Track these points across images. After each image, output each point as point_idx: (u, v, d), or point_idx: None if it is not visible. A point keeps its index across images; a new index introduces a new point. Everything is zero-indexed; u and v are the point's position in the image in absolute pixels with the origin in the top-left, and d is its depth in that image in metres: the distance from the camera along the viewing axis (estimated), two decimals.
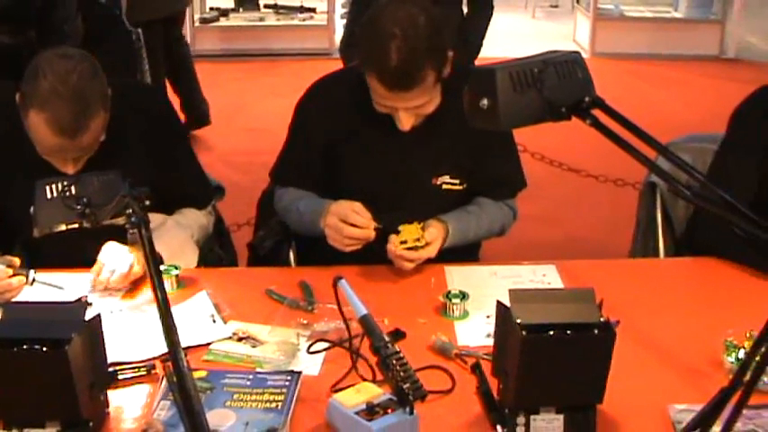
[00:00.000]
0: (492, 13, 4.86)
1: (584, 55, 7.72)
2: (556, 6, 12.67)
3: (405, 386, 1.97)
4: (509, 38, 10.26)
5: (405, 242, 2.74)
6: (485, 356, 2.28)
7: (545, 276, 2.81)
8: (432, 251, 2.76)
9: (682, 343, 2.49)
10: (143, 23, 5.69)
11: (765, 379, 2.28)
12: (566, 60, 2.06)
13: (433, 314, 2.60)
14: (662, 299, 2.78)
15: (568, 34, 11.02)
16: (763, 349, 1.62)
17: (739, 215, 1.69)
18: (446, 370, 2.31)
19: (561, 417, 2.05)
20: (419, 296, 2.68)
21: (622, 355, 2.35)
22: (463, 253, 2.97)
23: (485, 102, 1.97)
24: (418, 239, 2.74)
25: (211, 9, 10.27)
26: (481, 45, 4.83)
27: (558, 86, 1.99)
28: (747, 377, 1.68)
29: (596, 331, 1.97)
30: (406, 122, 2.75)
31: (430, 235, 2.76)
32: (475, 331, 2.48)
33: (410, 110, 2.73)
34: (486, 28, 4.82)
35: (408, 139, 2.83)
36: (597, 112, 1.99)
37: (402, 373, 1.98)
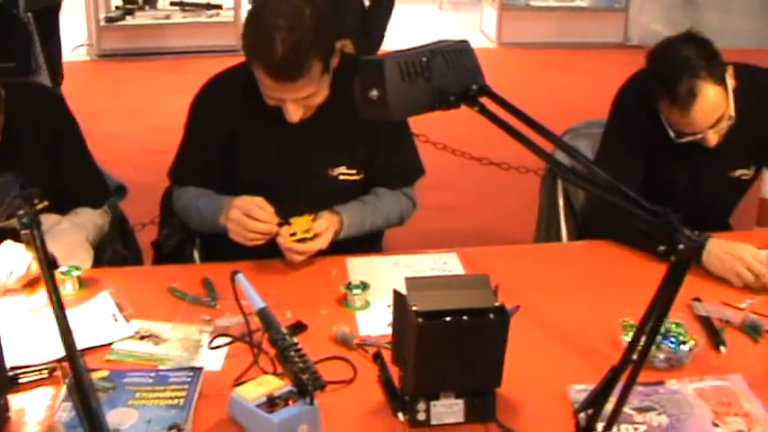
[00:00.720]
0: (393, 5, 4.86)
1: (491, 45, 7.87)
2: None
3: (304, 377, 1.98)
4: (416, 30, 10.29)
5: (294, 234, 2.75)
6: (385, 345, 2.30)
7: (446, 264, 2.83)
8: (322, 243, 2.77)
9: (581, 324, 2.54)
10: (36, 10, 5.61)
11: (661, 356, 2.34)
12: (454, 49, 2.08)
13: (335, 305, 2.61)
14: (562, 282, 2.83)
15: (475, 25, 11.09)
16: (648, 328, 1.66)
17: (624, 198, 1.72)
18: (347, 360, 2.33)
19: (461, 401, 2.07)
20: (321, 288, 2.69)
21: (522, 338, 2.39)
22: (365, 243, 2.99)
23: (374, 92, 1.98)
24: (308, 231, 2.75)
25: (117, 8, 10.15)
26: (383, 37, 4.83)
27: (447, 75, 2.01)
28: (635, 355, 1.72)
29: (491, 316, 2.00)
30: (294, 114, 2.75)
31: (319, 226, 2.77)
32: (376, 321, 2.50)
33: (298, 101, 2.73)
34: (388, 20, 4.83)
35: (302, 131, 2.84)
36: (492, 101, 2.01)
37: (301, 365, 1.99)
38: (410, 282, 2.05)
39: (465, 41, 2.13)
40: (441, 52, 2.05)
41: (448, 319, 1.97)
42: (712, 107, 2.90)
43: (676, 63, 2.88)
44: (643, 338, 1.71)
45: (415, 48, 2.11)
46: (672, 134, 2.98)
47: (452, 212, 5.89)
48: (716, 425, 2.15)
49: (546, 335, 2.51)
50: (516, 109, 1.87)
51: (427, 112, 2.06)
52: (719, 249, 2.83)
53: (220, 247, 2.92)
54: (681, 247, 1.59)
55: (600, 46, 10.33)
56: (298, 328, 2.42)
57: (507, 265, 2.89)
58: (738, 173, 3.23)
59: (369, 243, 3.04)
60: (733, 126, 2.97)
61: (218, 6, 10.16)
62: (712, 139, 2.96)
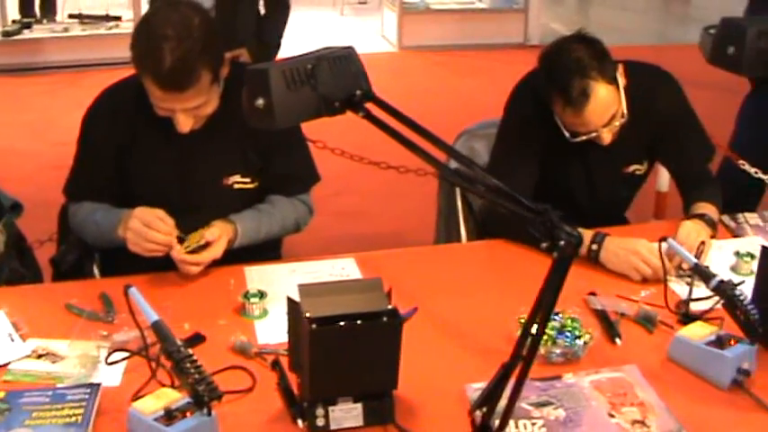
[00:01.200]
0: (288, 12, 4.86)
1: (392, 49, 7.89)
2: (364, 3, 12.77)
3: (200, 388, 1.97)
4: (317, 36, 10.29)
5: (187, 245, 2.73)
6: (284, 353, 2.29)
7: (344, 270, 2.84)
8: (216, 252, 2.76)
9: (479, 323, 2.57)
10: None
11: (557, 351, 2.37)
12: (339, 56, 2.10)
13: (233, 315, 2.60)
14: (460, 282, 2.86)
15: (376, 30, 11.13)
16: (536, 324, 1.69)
17: (507, 197, 1.75)
18: (246, 369, 2.32)
19: (359, 405, 2.08)
20: (219, 298, 2.68)
21: (421, 339, 2.42)
22: (263, 252, 2.98)
23: (260, 101, 1.99)
24: (200, 241, 2.74)
25: (14, 22, 9.99)
26: (279, 45, 4.83)
27: (332, 82, 2.02)
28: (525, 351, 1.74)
29: (384, 319, 2.01)
30: (184, 124, 2.74)
31: (211, 234, 2.76)
32: (274, 329, 2.50)
33: (188, 111, 2.72)
34: (284, 27, 4.82)
35: (195, 141, 2.83)
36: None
37: (197, 376, 1.98)
38: (303, 288, 2.06)
39: (350, 47, 2.14)
40: (326, 59, 2.06)
41: (341, 324, 1.97)
42: (605, 106, 2.94)
43: (568, 64, 2.92)
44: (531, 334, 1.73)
45: (300, 55, 2.12)
46: (567, 134, 3.02)
47: (354, 217, 5.91)
48: (612, 415, 2.19)
49: (444, 335, 2.53)
50: (400, 113, 1.88)
51: (314, 119, 2.07)
52: (615, 246, 2.88)
53: (120, 262, 2.89)
54: (561, 243, 1.61)
55: (500, 47, 10.45)
56: (196, 339, 2.42)
57: (406, 267, 2.92)
58: (632, 168, 3.29)
59: (267, 251, 3.03)
60: (625, 123, 3.02)
61: (118, 18, 10.06)
62: (606, 137, 3.01)
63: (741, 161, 3.77)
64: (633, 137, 3.14)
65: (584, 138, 3.01)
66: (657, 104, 3.16)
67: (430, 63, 9.81)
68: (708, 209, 3.12)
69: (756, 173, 3.75)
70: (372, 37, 10.93)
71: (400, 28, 10.47)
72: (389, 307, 2.03)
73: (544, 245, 1.67)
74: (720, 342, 2.36)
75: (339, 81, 2.02)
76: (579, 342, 2.40)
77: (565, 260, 1.62)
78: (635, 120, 3.05)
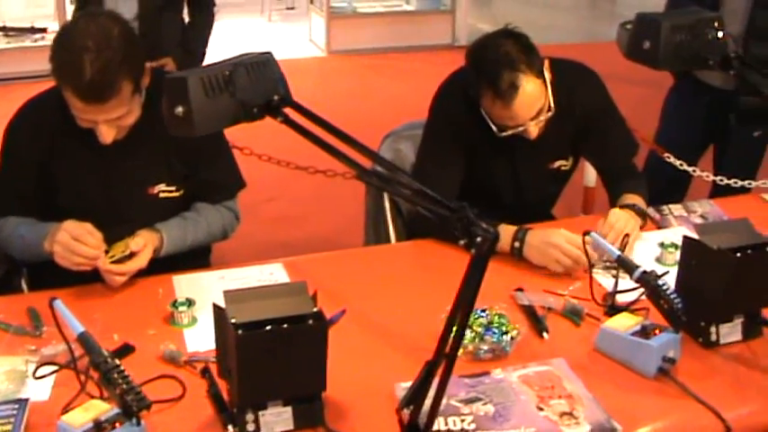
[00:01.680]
0: (213, 20, 4.84)
1: (321, 54, 7.87)
2: (292, 8, 12.76)
3: (128, 398, 1.96)
4: (245, 43, 10.26)
5: (112, 256, 2.72)
6: (213, 360, 2.29)
7: (272, 275, 2.85)
8: (141, 261, 2.75)
9: (408, 323, 2.58)
10: None
11: (484, 347, 2.40)
12: (257, 61, 2.11)
13: (162, 324, 2.59)
14: (389, 283, 2.88)
15: (305, 35, 11.12)
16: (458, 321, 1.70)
17: (425, 196, 1.77)
18: (176, 377, 2.31)
19: (289, 409, 2.09)
20: (148, 308, 2.67)
21: (350, 341, 2.44)
22: (192, 260, 2.97)
23: (179, 109, 1.99)
24: (125, 251, 2.73)
25: None
26: (205, 53, 4.81)
27: (250, 87, 2.03)
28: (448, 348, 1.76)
29: (310, 322, 2.01)
30: (106, 135, 2.72)
31: (136, 244, 2.74)
32: (204, 336, 2.49)
33: (110, 122, 2.70)
34: (209, 35, 4.80)
35: (118, 151, 2.81)
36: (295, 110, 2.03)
37: (124, 386, 1.97)
38: (228, 295, 2.06)
39: (268, 53, 2.15)
40: (243, 65, 2.07)
41: (267, 328, 1.98)
42: (533, 99, 2.98)
43: (496, 58, 2.95)
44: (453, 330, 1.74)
45: (219, 62, 2.12)
46: (494, 128, 3.05)
47: (285, 223, 5.91)
48: (540, 408, 2.21)
49: (373, 336, 2.55)
50: (318, 117, 1.90)
51: (233, 125, 2.08)
52: (537, 240, 2.92)
53: (48, 276, 2.86)
54: (478, 239, 1.63)
55: (428, 48, 10.50)
56: (124, 350, 2.41)
57: (335, 270, 2.93)
58: (557, 164, 3.34)
59: (196, 259, 3.02)
60: (551, 118, 3.06)
61: (43, 30, 9.94)
62: (533, 131, 3.04)
63: (666, 154, 3.82)
64: (558, 133, 3.18)
65: (511, 132, 3.04)
66: (581, 100, 3.20)
67: (359, 66, 9.84)
68: (635, 199, 3.18)
69: (681, 165, 3.80)
70: (301, 42, 10.92)
71: (328, 32, 10.48)
72: (315, 309, 2.04)
73: (462, 242, 1.69)
74: (645, 332, 2.41)
75: (257, 87, 2.03)
76: (507, 338, 2.43)
77: (482, 256, 1.64)
78: (560, 115, 3.09)
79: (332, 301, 2.62)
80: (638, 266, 2.46)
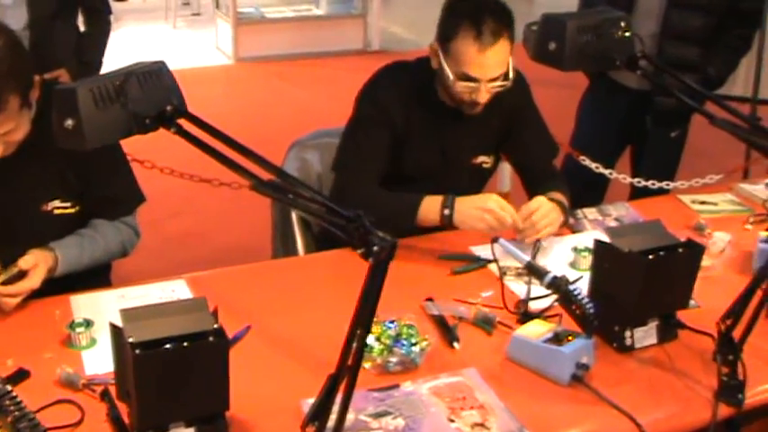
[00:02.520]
0: (109, 28, 4.78)
1: (228, 61, 7.80)
2: (198, 14, 12.65)
3: (21, 426, 1.96)
4: (150, 51, 10.20)
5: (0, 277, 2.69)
6: (112, 382, 2.29)
7: (174, 292, 2.84)
8: (33, 282, 2.71)
9: (315, 337, 2.60)
10: None
11: (393, 360, 2.43)
12: (149, 71, 2.11)
13: (60, 347, 2.57)
14: (297, 297, 2.90)
15: (211, 42, 11.07)
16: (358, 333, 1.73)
17: (321, 206, 1.79)
18: (74, 402, 2.30)
19: (192, 430, 2.09)
20: (44, 330, 2.64)
21: (256, 358, 2.46)
22: (90, 279, 2.94)
23: (69, 121, 1.99)
24: (13, 270, 2.70)
25: None
26: (101, 63, 4.76)
27: (142, 98, 2.04)
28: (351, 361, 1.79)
29: (211, 339, 2.02)
30: None
31: (25, 262, 2.70)
32: (103, 358, 2.48)
33: None
34: (105, 44, 4.75)
35: (8, 167, 2.76)
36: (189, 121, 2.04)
37: (17, 413, 1.97)
38: (125, 313, 2.06)
39: (161, 62, 2.16)
40: (135, 75, 2.08)
41: (166, 347, 1.99)
42: (504, 57, 3.10)
43: (485, 3, 3.10)
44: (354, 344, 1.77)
45: (110, 72, 2.13)
46: (450, 77, 3.11)
47: (190, 239, 5.90)
48: (452, 420, 2.25)
49: (279, 352, 2.56)
50: (212, 128, 1.91)
51: (126, 137, 2.09)
52: (467, 207, 3.07)
53: None
54: (375, 248, 1.66)
55: (340, 54, 10.53)
56: (19, 375, 2.40)
57: (241, 285, 2.95)
58: (480, 160, 3.43)
59: (95, 278, 3.00)
60: (480, 112, 3.18)
61: None
62: (484, 96, 3.13)
63: (582, 157, 3.90)
64: (484, 125, 3.32)
65: (467, 84, 3.10)
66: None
67: (267, 74, 9.83)
68: (559, 197, 3.28)
69: (597, 168, 3.87)
70: (207, 49, 10.87)
71: (235, 39, 10.43)
72: (215, 326, 2.05)
73: (359, 251, 1.72)
74: (558, 338, 2.46)
75: (150, 97, 2.04)
76: (416, 349, 2.46)
77: (380, 265, 1.67)
78: (487, 108, 3.20)
79: (237, 317, 2.64)
80: (548, 272, 2.52)
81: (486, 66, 3.08)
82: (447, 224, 3.08)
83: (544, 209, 3.13)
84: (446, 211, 3.07)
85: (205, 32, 11.48)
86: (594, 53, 2.67)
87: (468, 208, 3.06)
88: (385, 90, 3.30)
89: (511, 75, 3.14)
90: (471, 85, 3.10)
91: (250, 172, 1.89)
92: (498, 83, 3.12)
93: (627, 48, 2.71)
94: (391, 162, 3.30)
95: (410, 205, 3.14)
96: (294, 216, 3.54)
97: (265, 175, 1.99)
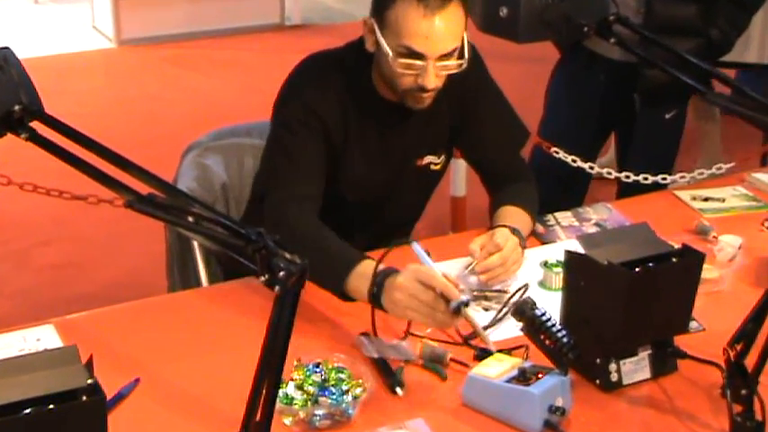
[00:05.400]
0: None
1: (108, 45, 7.82)
2: None
3: None
4: (7, 31, 10.12)
5: None
6: None
7: (39, 341, 2.82)
8: None
9: (219, 387, 2.60)
10: None
11: (320, 412, 2.44)
12: None
13: None
14: (198, 337, 2.92)
15: (86, 20, 10.97)
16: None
17: (219, 225, 1.81)
18: None
19: None
20: None
21: (145, 417, 2.48)
22: None
23: None
24: None
25: None
26: None
27: None
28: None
29: (84, 398, 2.02)
30: None
31: None
32: None
33: None
34: None
35: None
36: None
37: None
38: None
39: (6, 49, 2.16)
40: None
41: (27, 411, 1.98)
42: (456, 27, 3.06)
43: None
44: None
45: None
46: (390, 53, 3.08)
47: (67, 271, 5.86)
48: None
49: (175, 407, 2.55)
50: (74, 131, 1.92)
51: None
52: (394, 288, 2.83)
53: None
54: (282, 273, 1.68)
55: (251, 30, 10.53)
56: None
57: (126, 328, 2.94)
58: (427, 160, 3.43)
59: None
60: (427, 109, 3.17)
61: None
62: (431, 79, 3.08)
63: (554, 149, 3.87)
64: (432, 121, 3.32)
65: (412, 62, 3.07)
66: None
67: (158, 59, 9.81)
68: (516, 218, 3.29)
69: (574, 161, 3.85)
70: (81, 30, 10.78)
71: (117, 17, 10.31)
72: (90, 381, 2.05)
73: (262, 278, 1.74)
74: (525, 376, 2.47)
75: None
76: (348, 398, 2.47)
77: (288, 294, 1.69)
78: (434, 106, 3.20)
79: (122, 367, 2.63)
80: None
81: (434, 36, 3.04)
82: (377, 305, 2.86)
83: (512, 242, 3.12)
84: (374, 289, 2.84)
85: (77, 8, 11.35)
86: (556, 19, 2.68)
87: (394, 291, 2.79)
88: (312, 89, 3.26)
89: (466, 53, 3.13)
90: (416, 63, 3.07)
91: (126, 185, 1.91)
92: (450, 62, 3.10)
93: (597, 9, 2.72)
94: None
95: (338, 271, 2.97)
96: (195, 242, 3.52)
97: (147, 189, 2.00)
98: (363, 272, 2.87)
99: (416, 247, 2.75)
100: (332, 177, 3.29)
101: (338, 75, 3.28)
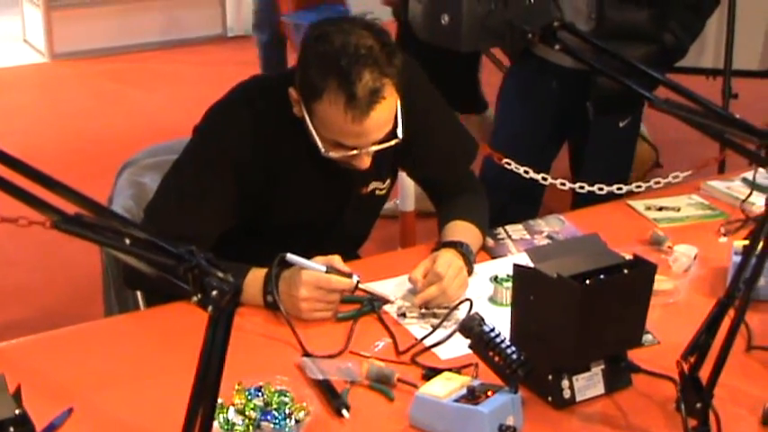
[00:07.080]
0: None
1: (40, 59, 7.84)
2: None
3: None
4: None
5: None
6: None
7: None
8: None
9: (159, 416, 2.56)
10: None
11: None
12: None
13: None
14: (134, 364, 2.90)
15: (16, 34, 10.90)
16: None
17: (148, 244, 1.82)
18: None
19: None
20: None
21: None
22: None
23: None
24: None
25: None
26: None
27: None
28: None
29: (12, 429, 2.01)
30: None
31: None
32: None
33: None
34: None
35: None
36: None
37: None
38: None
39: None
40: None
41: None
42: (388, 115, 3.03)
43: (356, 54, 2.93)
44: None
45: None
46: (320, 144, 3.07)
47: (12, 298, 5.89)
48: None
49: None
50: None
51: None
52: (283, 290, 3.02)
53: None
54: (214, 293, 1.69)
55: (191, 43, 10.51)
56: None
57: (58, 355, 2.94)
58: (372, 187, 3.41)
59: None
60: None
61: None
62: (365, 161, 3.10)
63: (505, 160, 3.90)
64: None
65: (341, 154, 3.07)
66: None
67: (93, 74, 9.77)
68: (465, 233, 3.31)
69: (527, 172, 3.87)
70: (12, 44, 10.72)
71: (49, 30, 10.27)
72: (17, 412, 2.04)
73: (195, 299, 1.75)
74: (474, 395, 2.48)
75: None
76: (291, 422, 2.48)
77: (222, 315, 1.70)
78: None
79: (53, 397, 2.62)
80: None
81: (366, 134, 3.02)
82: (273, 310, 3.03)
83: (452, 270, 3.08)
84: (269, 298, 3.02)
85: (7, 21, 11.25)
86: (500, 25, 2.69)
87: (283, 293, 3.02)
88: (230, 129, 3.22)
89: (400, 131, 3.11)
90: (348, 153, 3.06)
91: (51, 206, 1.92)
92: (385, 143, 3.08)
93: (540, 15, 2.74)
94: (255, 216, 3.29)
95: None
96: None
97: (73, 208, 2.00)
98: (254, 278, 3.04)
99: (291, 257, 2.82)
100: (263, 210, 3.30)
101: (268, 107, 3.22)
